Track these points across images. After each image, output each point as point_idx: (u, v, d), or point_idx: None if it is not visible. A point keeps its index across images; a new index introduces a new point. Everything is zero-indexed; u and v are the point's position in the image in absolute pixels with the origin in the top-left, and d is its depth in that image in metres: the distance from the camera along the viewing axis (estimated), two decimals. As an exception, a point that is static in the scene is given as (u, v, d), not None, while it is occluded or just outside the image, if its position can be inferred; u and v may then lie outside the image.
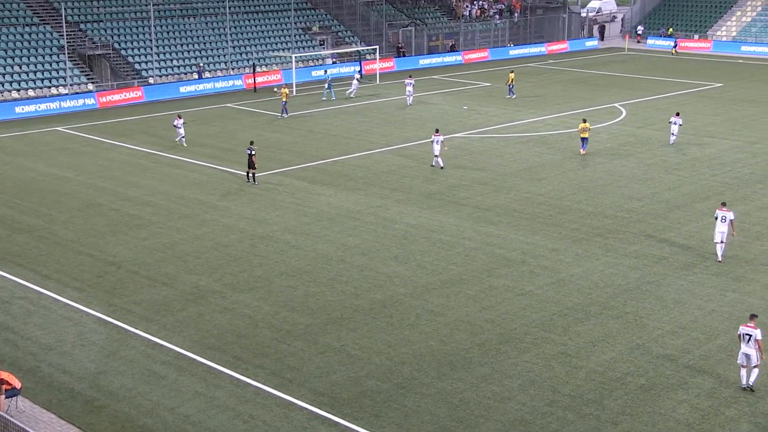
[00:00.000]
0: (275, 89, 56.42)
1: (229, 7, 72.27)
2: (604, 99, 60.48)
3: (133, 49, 66.82)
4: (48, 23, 64.95)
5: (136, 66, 65.45)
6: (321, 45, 76.83)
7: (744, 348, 21.18)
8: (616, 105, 58.13)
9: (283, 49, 72.70)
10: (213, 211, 35.39)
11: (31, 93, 59.62)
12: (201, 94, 63.40)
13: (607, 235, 32.46)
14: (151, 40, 66.48)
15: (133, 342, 24.08)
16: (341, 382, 21.84)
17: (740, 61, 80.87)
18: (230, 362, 22.83)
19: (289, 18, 75.86)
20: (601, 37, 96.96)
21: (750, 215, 34.63)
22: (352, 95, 61.70)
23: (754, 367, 21.23)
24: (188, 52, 69.02)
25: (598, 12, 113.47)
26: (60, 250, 31.11)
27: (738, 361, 21.51)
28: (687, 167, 41.91)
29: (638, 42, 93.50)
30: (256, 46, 72.61)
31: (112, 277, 28.60)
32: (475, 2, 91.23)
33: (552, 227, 33.31)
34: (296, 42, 74.92)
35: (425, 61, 77.71)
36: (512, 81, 60.79)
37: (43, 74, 61.00)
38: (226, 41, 70.51)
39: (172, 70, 66.73)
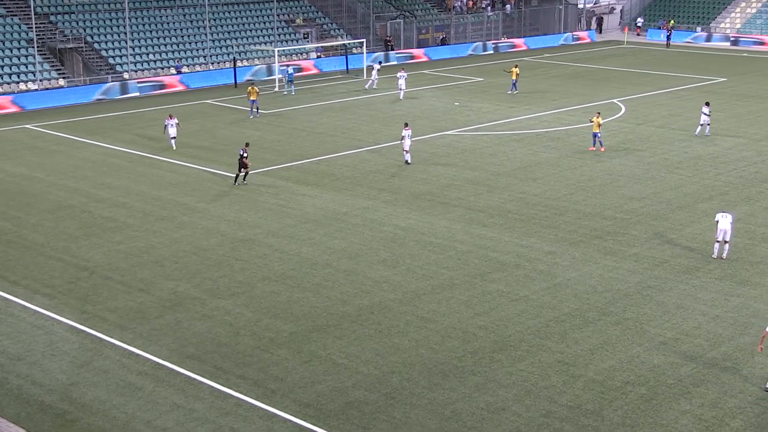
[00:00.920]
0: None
1: (208, -2, 72.22)
2: (602, 95, 60.69)
3: (106, 42, 66.63)
4: (16, 15, 64.66)
5: (110, 60, 65.28)
6: (305, 38, 76.83)
7: None
8: (614, 101, 58.33)
9: (265, 43, 72.66)
10: (191, 213, 35.32)
11: (-2, 89, 59.46)
12: (178, 90, 63.35)
13: (606, 237, 32.54)
14: (125, 33, 66.30)
15: (108, 351, 23.99)
16: (327, 393, 21.81)
17: (744, 54, 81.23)
18: (210, 372, 22.77)
19: (271, 10, 75.80)
20: (599, 30, 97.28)
21: (755, 216, 34.78)
22: (374, 86, 62.93)
23: None
24: (165, 45, 68.89)
25: (596, 3, 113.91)
26: (29, 255, 30.98)
27: None
28: (689, 166, 42.05)
29: (638, 35, 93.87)
30: (236, 39, 72.53)
31: (84, 283, 28.50)
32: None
33: (548, 229, 33.37)
34: (279, 35, 74.91)
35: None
36: (516, 76, 61.17)
37: (11, 69, 60.77)
38: (205, 34, 70.42)
39: (149, 64, 66.60)
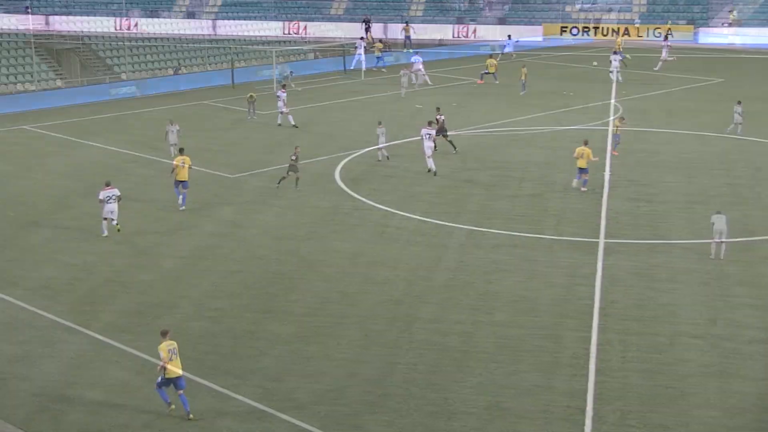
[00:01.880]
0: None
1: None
2: (599, 96, 60.56)
3: (104, 43, 66.55)
4: (14, 15, 64.58)
5: (108, 61, 65.20)
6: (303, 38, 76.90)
7: None
8: (612, 101, 58.20)
9: (263, 44, 72.66)
10: (191, 213, 35.24)
11: (-5, 89, 59.44)
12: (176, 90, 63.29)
13: (605, 238, 32.43)
14: (123, 34, 66.20)
15: (106, 352, 23.93)
16: (325, 393, 21.76)
17: (743, 54, 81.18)
18: (207, 373, 22.71)
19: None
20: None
21: (751, 217, 34.72)
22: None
23: None
24: (163, 46, 68.83)
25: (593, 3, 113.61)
26: (28, 256, 30.96)
27: None
28: (687, 167, 41.98)
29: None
30: (234, 40, 72.49)
31: (83, 284, 28.46)
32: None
33: (548, 230, 33.33)
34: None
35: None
36: (525, 76, 60.75)
37: (8, 69, 60.68)
38: (205, 35, 70.40)
39: (146, 65, 66.53)
